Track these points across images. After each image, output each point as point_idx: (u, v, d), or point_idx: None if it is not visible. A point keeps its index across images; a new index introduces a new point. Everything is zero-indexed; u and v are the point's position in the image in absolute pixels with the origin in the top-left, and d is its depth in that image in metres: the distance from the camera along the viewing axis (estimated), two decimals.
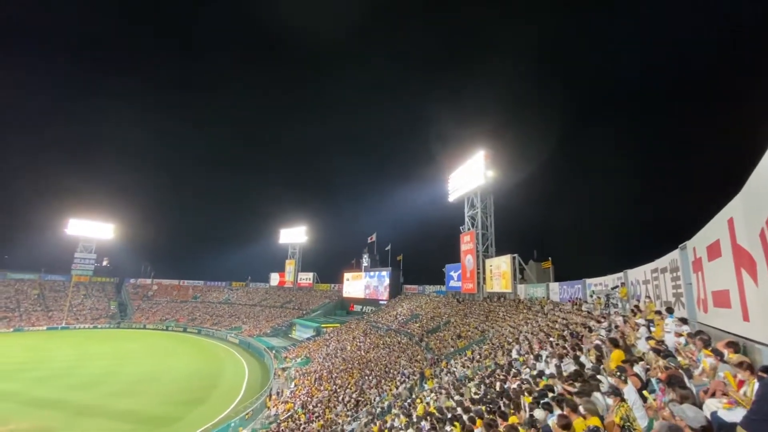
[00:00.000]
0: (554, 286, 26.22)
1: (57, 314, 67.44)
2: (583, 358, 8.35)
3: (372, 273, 58.90)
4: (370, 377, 25.53)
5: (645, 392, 4.91)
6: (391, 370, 25.57)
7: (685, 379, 4.47)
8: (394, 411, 17.33)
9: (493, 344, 20.93)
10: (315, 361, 36.77)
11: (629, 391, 4.80)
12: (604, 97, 70.52)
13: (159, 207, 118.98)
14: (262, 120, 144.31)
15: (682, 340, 6.24)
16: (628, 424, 4.20)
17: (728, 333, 5.37)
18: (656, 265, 10.79)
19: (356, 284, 61.80)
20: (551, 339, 13.78)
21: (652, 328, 7.66)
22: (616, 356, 6.91)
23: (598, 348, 8.25)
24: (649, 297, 11.68)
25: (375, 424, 16.65)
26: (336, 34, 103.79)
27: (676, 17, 51.76)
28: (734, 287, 5.05)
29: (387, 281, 55.26)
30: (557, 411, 5.65)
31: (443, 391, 15.41)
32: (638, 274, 13.23)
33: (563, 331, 14.27)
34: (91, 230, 77.54)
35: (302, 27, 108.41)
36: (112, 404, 25.60)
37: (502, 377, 11.89)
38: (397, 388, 21.41)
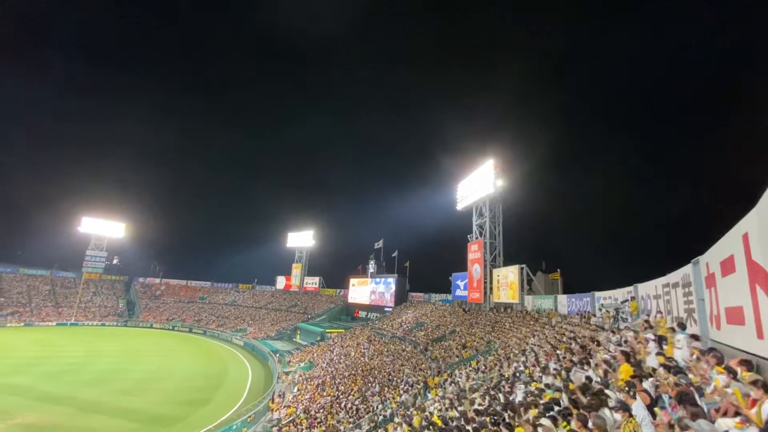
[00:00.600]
0: (562, 299, 25.87)
1: (67, 310, 68.43)
2: (590, 372, 8.21)
3: (378, 279, 58.75)
4: (374, 384, 25.36)
5: (656, 409, 4.80)
6: (395, 378, 25.37)
7: (696, 397, 4.37)
8: (396, 420, 17.16)
9: (498, 355, 20.67)
10: (318, 366, 36.66)
11: (638, 406, 4.71)
12: (617, 107, 70.07)
13: (169, 208, 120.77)
14: (273, 123, 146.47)
15: (694, 357, 6.11)
16: None
17: (741, 351, 5.24)
18: (668, 279, 10.60)
19: (362, 290, 61.67)
20: (558, 352, 13.57)
21: (664, 345, 7.50)
22: (624, 371, 6.78)
23: (606, 362, 8.10)
24: (660, 312, 11.46)
25: (377, 431, 16.51)
26: (346, 38, 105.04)
27: (693, 20, 51.40)
28: (748, 304, 4.94)
29: (393, 288, 55.04)
30: (563, 424, 5.56)
31: (447, 401, 15.24)
32: (649, 288, 13.00)
33: (570, 344, 14.05)
34: (103, 229, 78.81)
35: (314, 31, 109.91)
36: (117, 401, 25.81)
37: (507, 389, 11.73)
38: (400, 396, 21.23)
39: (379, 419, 19.10)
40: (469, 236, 41.17)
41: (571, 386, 7.52)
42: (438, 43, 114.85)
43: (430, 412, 14.71)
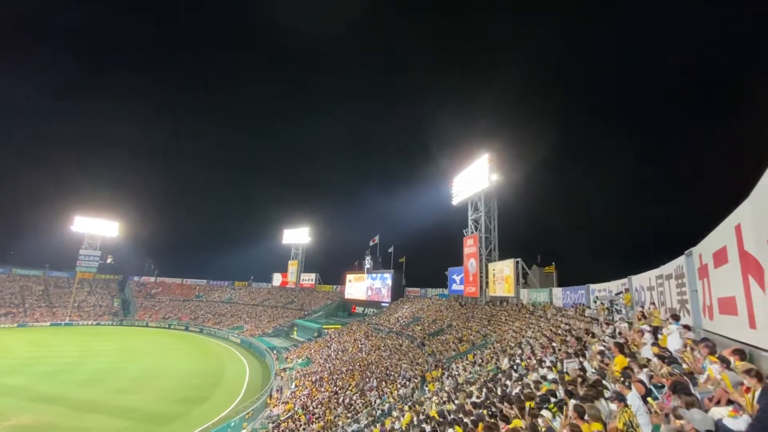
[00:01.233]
0: (557, 291, 26.06)
1: (61, 310, 67.88)
2: (586, 364, 8.29)
3: (374, 275, 58.85)
4: (371, 379, 25.48)
5: (650, 399, 4.86)
6: (392, 373, 25.50)
7: (690, 386, 4.43)
8: (394, 414, 17.27)
9: (494, 349, 20.83)
10: (316, 362, 36.76)
11: (633, 396, 4.77)
12: (610, 101, 70.34)
13: (163, 206, 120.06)
14: (267, 121, 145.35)
15: (687, 347, 6.19)
16: (632, 429, 4.17)
17: (734, 340, 5.31)
18: (661, 271, 10.70)
19: (358, 286, 61.75)
20: (554, 344, 13.70)
21: (659, 335, 7.59)
22: (619, 362, 6.86)
23: (601, 353, 8.19)
24: (653, 303, 11.58)
25: (375, 426, 16.61)
26: (338, 34, 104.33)
27: (684, 19, 51.60)
28: (741, 294, 4.99)
29: (389, 283, 55.18)
30: (560, 415, 5.62)
31: (445, 395, 15.35)
32: (643, 280, 13.12)
33: (566, 336, 14.19)
34: (97, 228, 78.08)
35: (306, 29, 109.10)
36: (114, 400, 25.73)
37: (503, 382, 11.83)
38: (397, 391, 21.35)
39: (377, 414, 19.22)
40: (464, 231, 41.28)
41: (567, 378, 7.59)
42: (435, 42, 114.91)
43: (420, 410, 14.80)
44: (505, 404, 7.75)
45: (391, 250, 57.81)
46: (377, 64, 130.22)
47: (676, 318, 7.94)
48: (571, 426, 4.55)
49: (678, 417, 3.47)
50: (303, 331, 53.97)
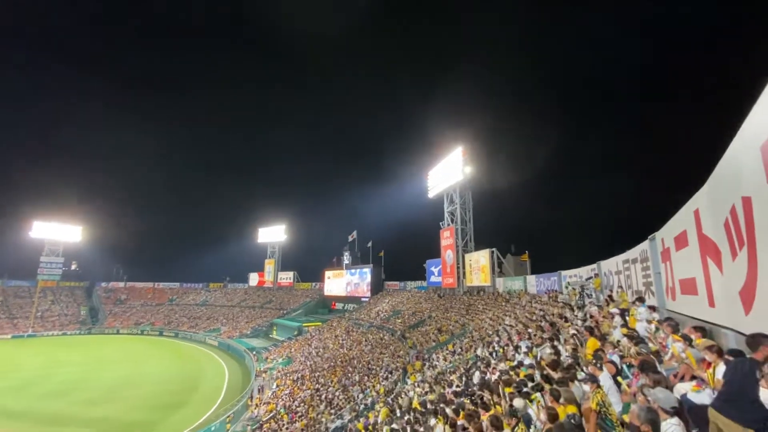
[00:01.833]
0: (531, 279, 26.85)
1: (22, 321, 64.13)
2: (560, 348, 8.59)
3: (353, 270, 58.74)
4: (353, 374, 25.53)
5: (619, 378, 5.09)
6: (375, 367, 25.64)
7: (657, 364, 4.67)
8: (377, 407, 17.39)
9: (473, 337, 21.28)
10: (297, 361, 36.46)
11: (605, 377, 4.98)
12: (576, 93, 72.56)
13: (130, 207, 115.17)
14: (236, 118, 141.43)
15: (653, 327, 6.51)
16: (604, 409, 4.36)
17: (695, 319, 5.62)
18: (627, 256, 11.19)
19: (338, 282, 61.50)
20: (529, 330, 14.12)
21: (627, 317, 7.95)
22: (591, 344, 7.14)
23: (574, 337, 8.50)
24: (621, 287, 12.11)
25: (359, 420, 16.68)
26: (312, 33, 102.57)
27: (646, 12, 53.72)
28: (700, 275, 5.29)
29: (369, 278, 55.24)
30: (537, 400, 5.80)
31: (426, 385, 15.57)
32: (611, 265, 13.69)
33: (541, 321, 14.65)
34: (58, 233, 74.05)
35: (280, 27, 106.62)
36: (85, 412, 24.60)
37: (482, 369, 12.11)
38: (380, 384, 21.50)
39: (361, 408, 19.30)
40: (441, 223, 41.79)
41: (543, 362, 7.85)
42: (408, 40, 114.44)
43: (403, 399, 14.98)
44: (485, 391, 7.95)
45: (369, 245, 57.87)
46: (351, 63, 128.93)
47: (641, 300, 8.34)
48: (547, 409, 4.71)
49: (647, 394, 3.65)
50: (282, 330, 53.33)
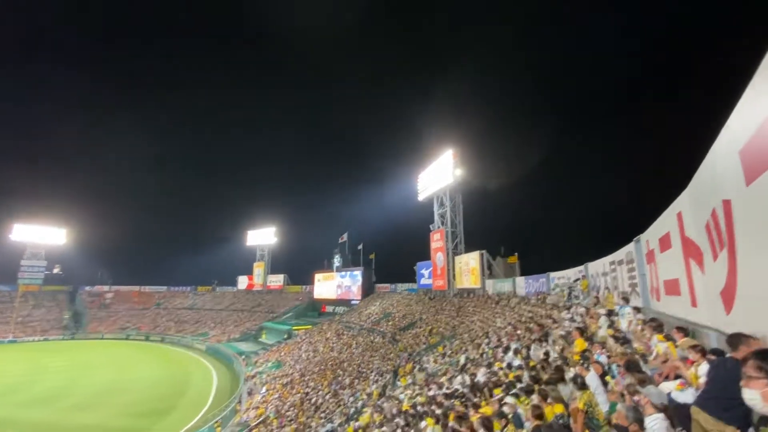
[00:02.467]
0: (520, 281, 27.05)
1: (2, 327, 62.24)
2: (549, 348, 8.69)
3: (344, 273, 58.53)
4: (344, 378, 25.40)
5: (608, 377, 5.18)
6: (365, 370, 25.55)
7: (641, 364, 4.76)
8: (367, 410, 17.33)
9: (463, 339, 21.36)
10: (287, 365, 36.13)
11: (592, 377, 5.06)
12: (566, 95, 73.68)
13: (116, 209, 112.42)
14: (226, 119, 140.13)
15: (639, 327, 6.64)
16: (591, 409, 4.43)
17: (679, 319, 5.74)
18: (614, 257, 11.38)
19: (328, 285, 61.20)
20: (518, 332, 14.24)
21: (614, 318, 8.09)
22: (579, 345, 7.24)
23: (562, 338, 8.61)
24: (608, 288, 12.30)
25: (349, 424, 16.59)
26: (301, 35, 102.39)
27: (632, 14, 54.90)
28: (683, 276, 5.41)
29: (359, 281, 55.09)
30: (525, 400, 5.86)
31: (417, 387, 15.58)
32: (598, 266, 13.89)
33: (529, 323, 14.79)
34: (40, 236, 72.32)
35: (268, 28, 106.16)
36: (68, 419, 23.98)
37: (472, 371, 12.17)
38: (370, 387, 21.43)
39: (351, 411, 19.20)
40: (431, 226, 41.93)
41: (532, 363, 7.94)
42: (400, 44, 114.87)
43: (390, 405, 14.97)
44: (475, 393, 8.00)
45: (360, 247, 57.77)
46: (341, 64, 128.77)
47: (626, 301, 8.49)
48: (534, 408, 4.76)
49: (633, 393, 3.73)
50: (272, 333, 52.82)
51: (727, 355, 3.23)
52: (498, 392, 6.91)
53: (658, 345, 5.05)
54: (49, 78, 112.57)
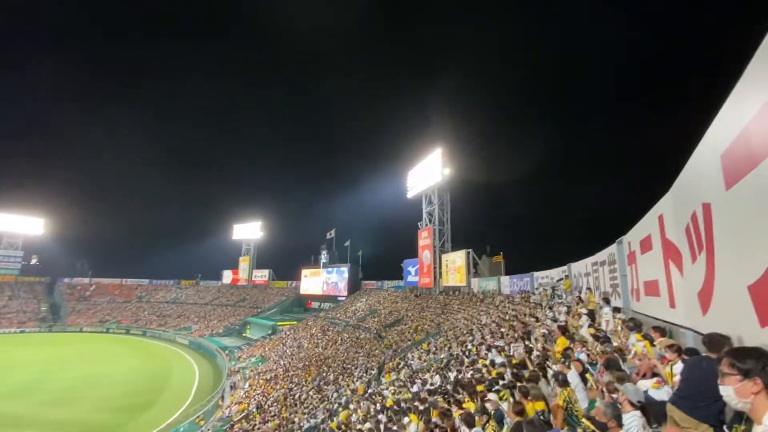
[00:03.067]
0: (505, 280, 27.42)
1: None
2: (531, 346, 8.81)
3: (331, 269, 58.34)
4: (328, 374, 25.37)
5: (588, 375, 5.27)
6: (350, 366, 25.56)
7: (620, 362, 4.86)
8: (351, 406, 17.35)
9: (448, 336, 21.54)
10: (270, 360, 35.89)
11: (572, 375, 5.14)
12: (553, 97, 74.63)
13: (98, 199, 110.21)
14: (212, 112, 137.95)
15: (619, 327, 6.78)
16: (571, 405, 4.50)
17: (658, 319, 5.88)
18: (596, 258, 11.60)
19: (314, 281, 60.93)
20: (502, 329, 14.42)
21: (595, 318, 8.24)
22: (560, 343, 7.36)
23: (544, 336, 8.74)
24: (590, 288, 12.54)
25: (332, 420, 16.58)
26: (290, 31, 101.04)
27: (612, 20, 55.84)
28: (663, 278, 5.53)
29: (346, 277, 54.97)
30: (506, 396, 5.93)
31: (401, 383, 15.65)
32: (580, 267, 14.16)
33: (513, 321, 14.99)
34: (17, 225, 70.12)
35: (255, 23, 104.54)
36: (44, 414, 23.34)
37: (456, 368, 12.27)
38: (354, 383, 21.44)
39: (334, 407, 19.19)
40: (419, 223, 42.09)
41: (514, 361, 8.03)
42: (391, 43, 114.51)
43: (371, 402, 15.01)
44: (458, 389, 8.06)
45: (347, 243, 57.61)
46: (331, 61, 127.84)
47: (606, 301, 8.66)
48: (515, 405, 4.82)
49: (612, 391, 3.80)
50: (256, 328, 52.37)
51: (703, 354, 3.31)
52: (480, 389, 6.97)
53: (636, 344, 5.17)
54: (30, 69, 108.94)
